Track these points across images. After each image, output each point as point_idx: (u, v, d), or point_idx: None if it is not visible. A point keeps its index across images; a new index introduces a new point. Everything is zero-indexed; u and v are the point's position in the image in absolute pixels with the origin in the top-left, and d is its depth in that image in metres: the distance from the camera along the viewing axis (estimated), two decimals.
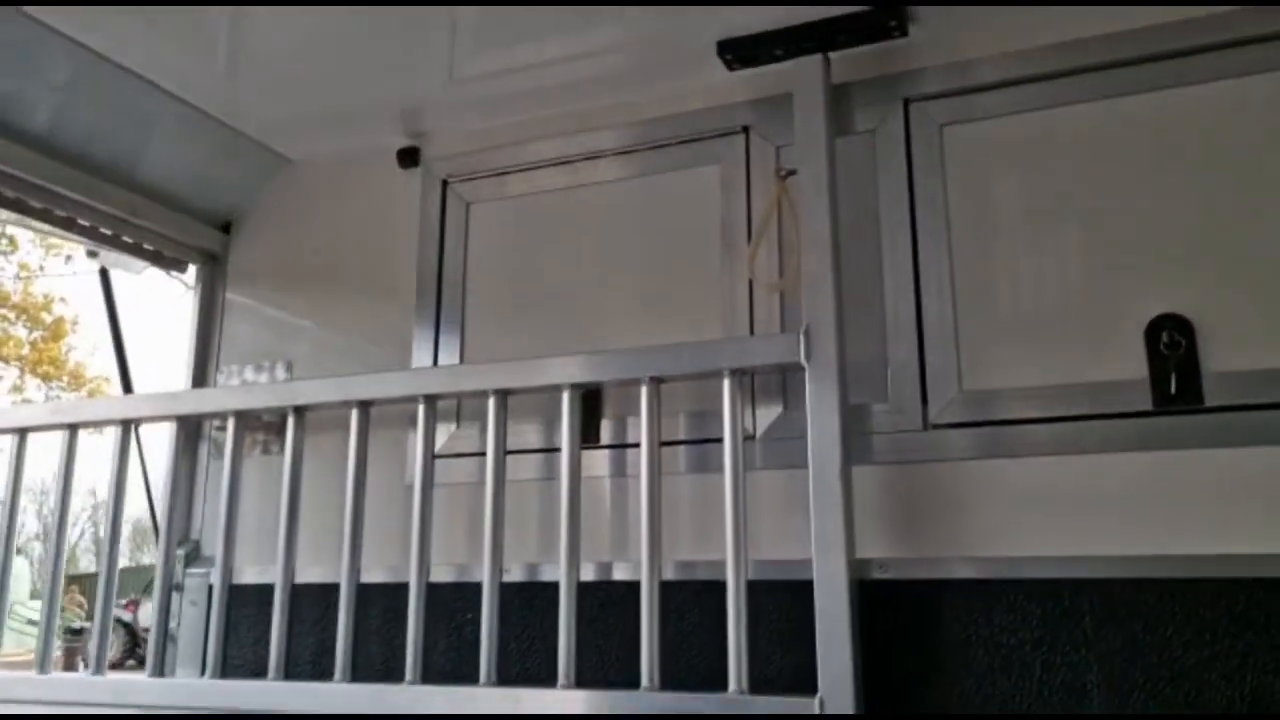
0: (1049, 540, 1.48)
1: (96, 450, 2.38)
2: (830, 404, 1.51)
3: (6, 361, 20.92)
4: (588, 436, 1.78)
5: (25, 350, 20.65)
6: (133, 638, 11.77)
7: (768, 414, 1.71)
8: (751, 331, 1.76)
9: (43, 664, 1.94)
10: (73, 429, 2.00)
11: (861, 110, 1.78)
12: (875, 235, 1.72)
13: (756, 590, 1.55)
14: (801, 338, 1.55)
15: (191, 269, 2.27)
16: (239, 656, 1.89)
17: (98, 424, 2.01)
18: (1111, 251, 1.58)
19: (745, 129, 1.86)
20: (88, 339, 22.01)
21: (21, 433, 2.04)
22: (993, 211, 1.67)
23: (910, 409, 1.62)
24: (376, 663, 1.81)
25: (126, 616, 12.80)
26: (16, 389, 21.68)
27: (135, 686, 1.84)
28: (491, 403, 1.73)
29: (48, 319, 21.97)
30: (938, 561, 1.53)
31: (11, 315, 21.78)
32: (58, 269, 17.68)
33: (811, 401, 1.53)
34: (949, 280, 1.65)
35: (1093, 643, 1.42)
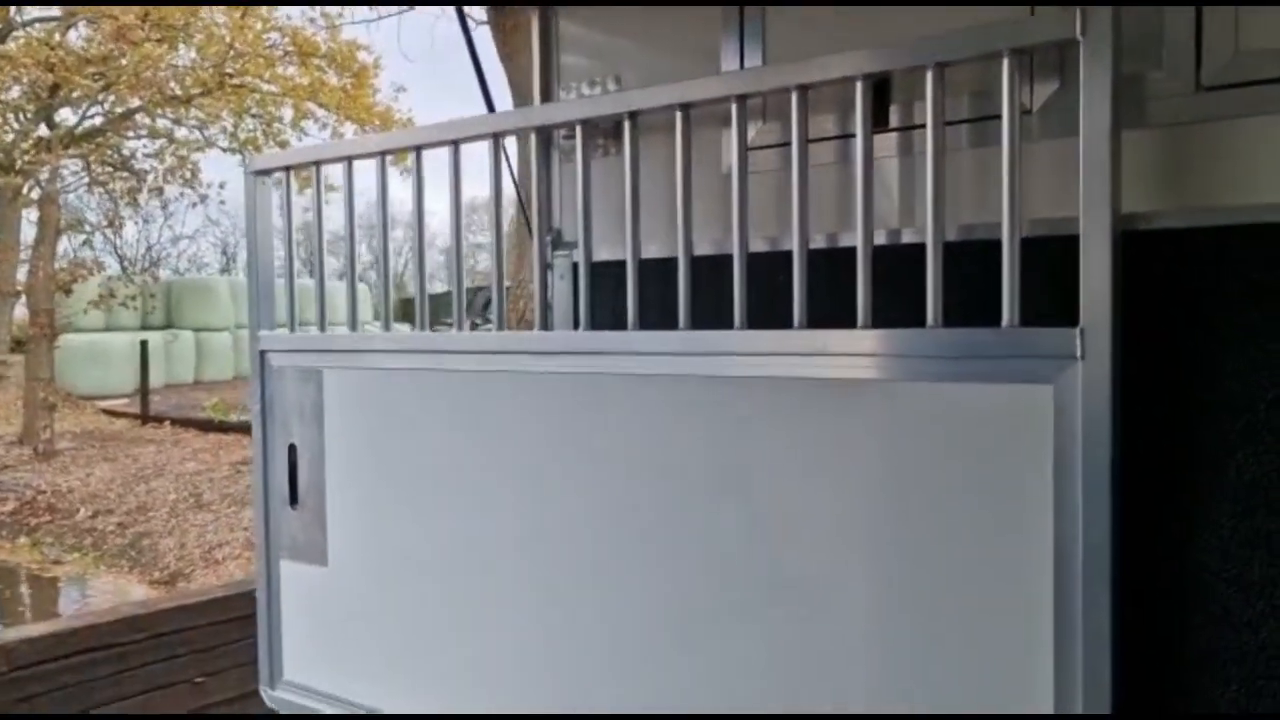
0: None
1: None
2: (1103, 72, 1.67)
3: (327, 108, 23.13)
4: (878, 122, 2.04)
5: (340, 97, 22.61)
6: None
7: (1045, 89, 1.89)
8: (1032, 13, 1.90)
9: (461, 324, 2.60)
10: (455, 144, 2.51)
11: None
12: None
13: (1030, 245, 1.81)
14: (1077, 13, 1.69)
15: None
16: (600, 317, 2.41)
17: (475, 139, 2.50)
18: None
19: None
20: (389, 83, 23.69)
21: (418, 149, 2.59)
22: None
23: (1184, 73, 1.75)
24: (709, 318, 2.26)
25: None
26: (336, 134, 24.01)
27: (529, 338, 2.42)
28: (794, 97, 2.02)
29: (355, 66, 23.81)
30: (1198, 211, 1.71)
31: (323, 64, 23.78)
32: (361, 15, 18.90)
33: (1085, 72, 1.69)
34: None
35: None
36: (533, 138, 2.42)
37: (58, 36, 20.31)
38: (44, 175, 18.68)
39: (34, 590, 11.13)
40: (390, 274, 2.74)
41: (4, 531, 12.42)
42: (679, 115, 2.18)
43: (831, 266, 2.13)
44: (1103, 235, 1.69)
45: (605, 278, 2.42)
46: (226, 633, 6.55)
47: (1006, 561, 1.81)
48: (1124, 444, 1.70)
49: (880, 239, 2.03)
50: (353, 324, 2.83)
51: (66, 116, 21.54)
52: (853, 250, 1.98)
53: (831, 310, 2.09)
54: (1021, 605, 1.79)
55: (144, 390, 17.99)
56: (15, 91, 20.24)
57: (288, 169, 2.92)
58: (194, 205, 21.03)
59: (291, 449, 2.91)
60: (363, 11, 19.49)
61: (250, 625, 6.89)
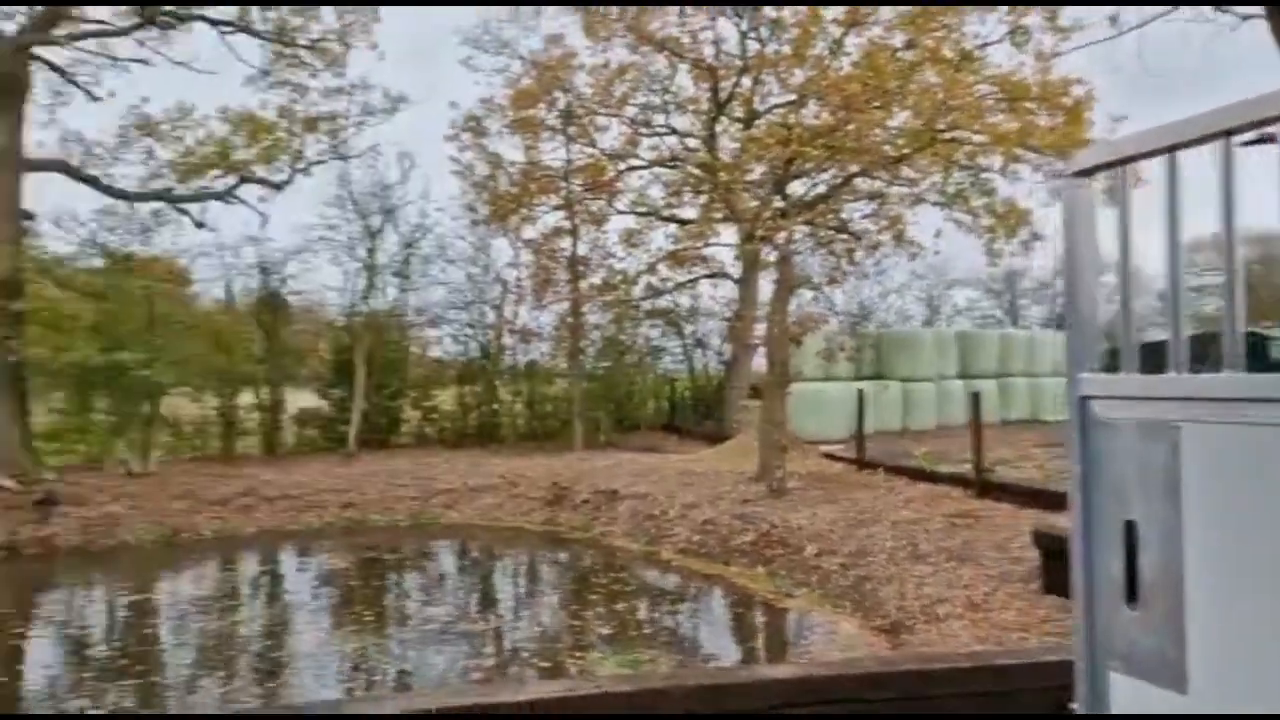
0: None
1: None
2: None
3: (1039, 151, 22.23)
4: None
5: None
6: None
7: None
8: None
9: None
10: None
11: None
12: None
13: None
14: None
15: None
16: None
17: None
18: None
19: None
20: (1104, 114, 21.96)
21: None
22: None
23: None
24: None
25: None
26: (1048, 177, 22.99)
27: None
28: None
29: (1067, 102, 22.62)
30: None
31: (1033, 106, 22.99)
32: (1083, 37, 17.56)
33: None
34: None
35: None
36: None
37: (792, 117, 22.64)
38: (779, 240, 20.82)
39: (767, 618, 12.03)
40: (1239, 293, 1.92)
41: (745, 559, 13.73)
42: None
43: None
44: None
45: None
46: (962, 705, 6.05)
47: None
48: None
49: None
50: (1225, 360, 2.05)
51: (795, 188, 23.93)
52: None
53: None
54: None
55: (859, 437, 18.81)
56: (757, 171, 23.05)
57: (1122, 162, 2.27)
58: (912, 258, 21.75)
59: (1129, 527, 2.21)
60: (1087, 33, 18.18)
61: (988, 703, 6.25)
